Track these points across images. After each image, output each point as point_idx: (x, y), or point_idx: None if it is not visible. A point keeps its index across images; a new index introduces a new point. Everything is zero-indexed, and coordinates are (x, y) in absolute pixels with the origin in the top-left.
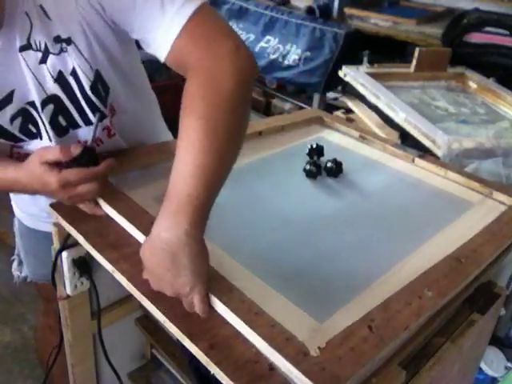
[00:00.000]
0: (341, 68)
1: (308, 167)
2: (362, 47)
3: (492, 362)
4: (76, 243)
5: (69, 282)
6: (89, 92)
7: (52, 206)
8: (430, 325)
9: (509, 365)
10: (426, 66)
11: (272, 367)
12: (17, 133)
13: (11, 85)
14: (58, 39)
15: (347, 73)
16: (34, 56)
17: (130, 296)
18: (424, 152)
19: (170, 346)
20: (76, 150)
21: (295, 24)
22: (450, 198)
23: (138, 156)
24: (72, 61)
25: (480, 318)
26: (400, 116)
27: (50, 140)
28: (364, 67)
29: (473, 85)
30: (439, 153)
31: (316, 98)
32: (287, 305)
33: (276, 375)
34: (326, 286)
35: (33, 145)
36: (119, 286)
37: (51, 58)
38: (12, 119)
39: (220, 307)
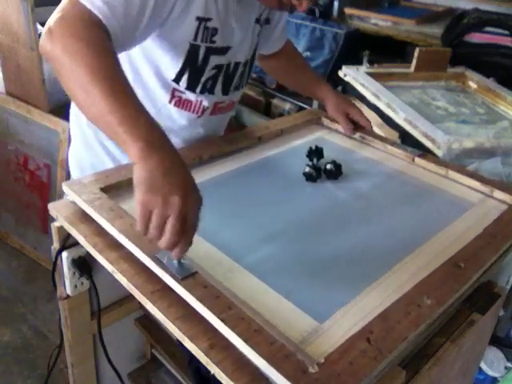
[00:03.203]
0: (341, 68)
1: (307, 170)
2: (362, 47)
3: (492, 362)
4: (76, 243)
5: (69, 282)
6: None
7: (52, 205)
8: (430, 325)
9: (509, 365)
10: (426, 66)
11: None
12: (203, 79)
13: (234, 42)
14: (267, 21)
15: (347, 73)
16: (257, 29)
17: (129, 296)
18: (424, 152)
19: (170, 346)
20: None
21: (295, 24)
22: (450, 197)
23: None
24: (258, 37)
25: (480, 318)
26: (400, 116)
27: (224, 93)
28: (364, 67)
29: (473, 85)
30: (439, 153)
31: None
32: (288, 306)
33: None
34: (326, 287)
35: (196, 97)
36: (119, 285)
37: (261, 33)
38: (213, 68)
39: (219, 325)
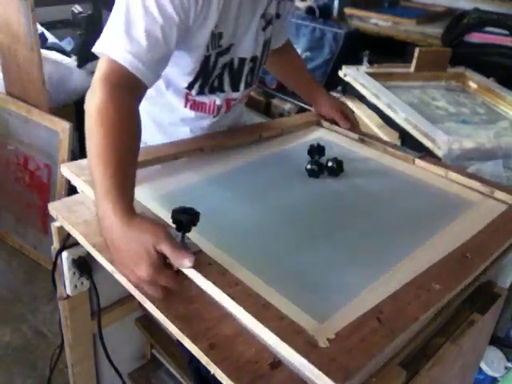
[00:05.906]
0: (341, 68)
1: (310, 166)
2: (362, 47)
3: (492, 362)
4: (76, 243)
5: (69, 282)
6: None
7: (52, 205)
8: (430, 324)
9: (509, 365)
10: (426, 66)
11: (272, 367)
12: (210, 80)
13: (236, 39)
14: (277, 15)
15: (347, 73)
16: (261, 23)
17: (130, 296)
18: (424, 152)
19: (170, 346)
20: (188, 264)
21: (295, 24)
22: (451, 197)
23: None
24: (270, 33)
25: (480, 318)
26: (400, 116)
27: (234, 90)
28: (364, 67)
29: (473, 85)
30: (440, 153)
31: None
32: (288, 305)
33: (276, 375)
34: (327, 286)
35: (208, 97)
36: (119, 286)
37: (269, 28)
38: (223, 67)
39: (226, 300)
